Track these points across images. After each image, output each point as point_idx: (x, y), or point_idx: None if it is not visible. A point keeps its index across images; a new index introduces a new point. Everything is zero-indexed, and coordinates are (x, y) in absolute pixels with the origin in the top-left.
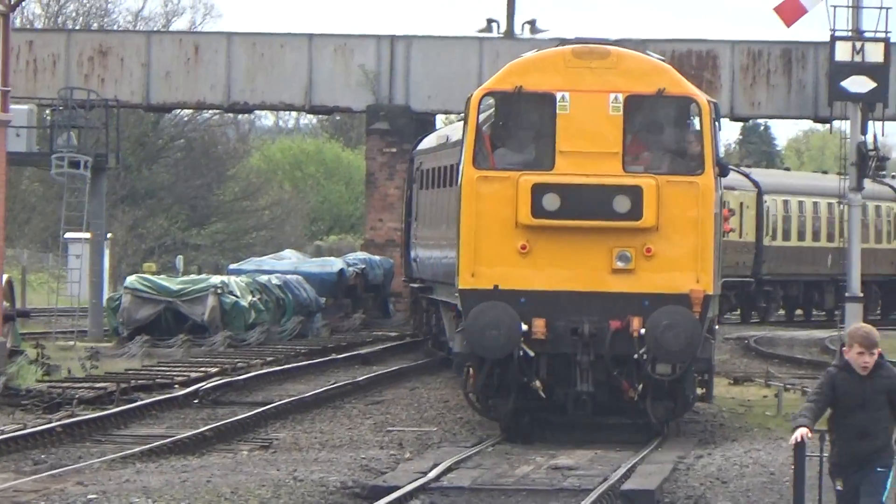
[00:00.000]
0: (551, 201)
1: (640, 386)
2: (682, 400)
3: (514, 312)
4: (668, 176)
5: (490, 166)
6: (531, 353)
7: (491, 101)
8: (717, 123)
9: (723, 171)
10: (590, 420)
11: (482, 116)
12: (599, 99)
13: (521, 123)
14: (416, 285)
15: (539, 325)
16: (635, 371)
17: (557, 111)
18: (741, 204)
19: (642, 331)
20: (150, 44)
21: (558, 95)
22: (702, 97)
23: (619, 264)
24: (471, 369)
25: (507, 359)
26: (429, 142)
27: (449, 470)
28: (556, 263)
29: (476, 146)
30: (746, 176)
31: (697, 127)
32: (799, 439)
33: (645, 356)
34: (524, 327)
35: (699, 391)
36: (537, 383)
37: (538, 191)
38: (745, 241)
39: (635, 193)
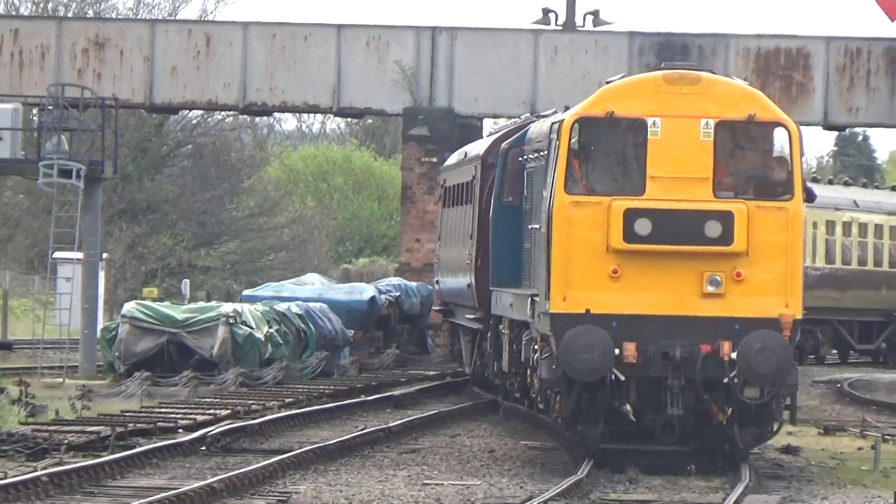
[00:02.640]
0: (643, 226)
1: (730, 410)
2: (768, 424)
3: (608, 336)
4: (758, 201)
5: (581, 191)
6: (622, 377)
7: (582, 126)
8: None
9: (809, 196)
10: (676, 448)
11: (573, 141)
12: (690, 124)
13: (612, 149)
14: (437, 308)
15: (630, 348)
16: (724, 395)
17: (649, 136)
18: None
19: (733, 355)
20: (154, 34)
21: (650, 121)
22: (791, 123)
23: (710, 289)
24: (558, 395)
25: (598, 383)
26: (453, 157)
27: None
28: (647, 288)
29: (567, 171)
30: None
31: (787, 152)
32: None
33: (735, 380)
34: (615, 351)
35: (785, 414)
36: (627, 407)
37: (630, 216)
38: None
39: (726, 219)
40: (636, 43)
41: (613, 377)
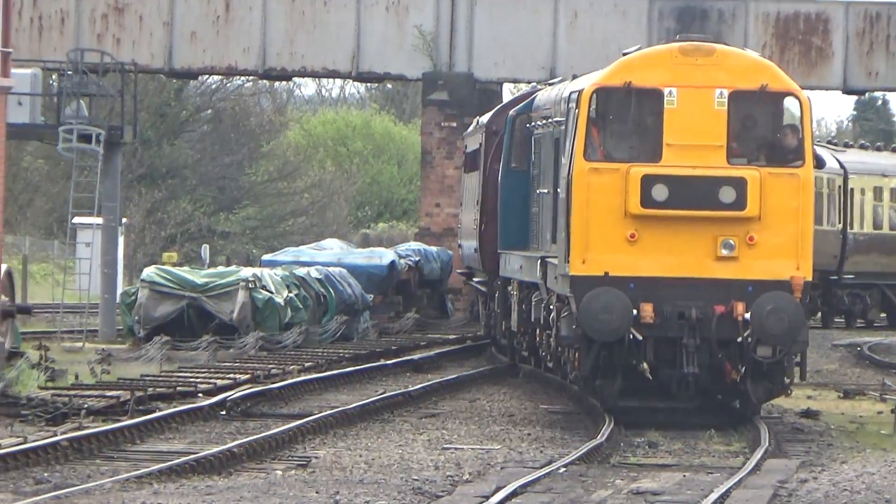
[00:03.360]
0: (660, 192)
1: (743, 368)
2: (779, 381)
3: (626, 297)
4: (770, 168)
5: (599, 158)
6: (640, 337)
7: (601, 95)
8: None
9: (818, 163)
10: (690, 406)
11: (592, 110)
12: (705, 94)
13: (630, 117)
14: (460, 271)
15: (647, 309)
16: (738, 354)
17: (665, 106)
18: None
19: (746, 315)
20: None
21: (666, 91)
22: (801, 93)
23: (724, 252)
24: (576, 353)
25: (617, 342)
26: (473, 124)
27: (514, 494)
28: (663, 251)
29: (587, 139)
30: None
31: (798, 121)
32: None
33: (749, 339)
34: (633, 312)
35: (796, 370)
36: (644, 365)
37: (647, 182)
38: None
39: (740, 184)
40: (656, 7)
41: (631, 337)
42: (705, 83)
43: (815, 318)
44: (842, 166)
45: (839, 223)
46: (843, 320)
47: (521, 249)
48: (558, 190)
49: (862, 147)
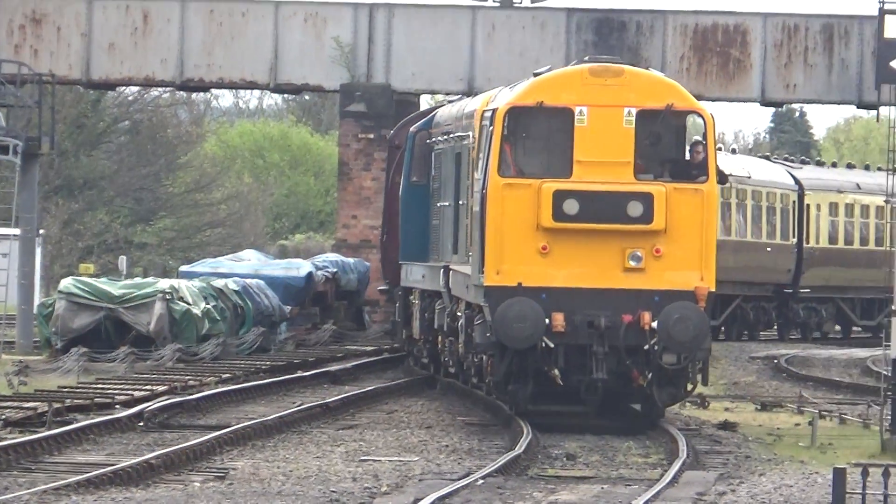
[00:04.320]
0: (571, 206)
1: (649, 374)
2: (683, 386)
3: (539, 307)
4: (676, 183)
5: (513, 174)
6: (551, 344)
7: (514, 114)
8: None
9: (721, 179)
10: (599, 412)
11: (505, 128)
12: (614, 113)
13: (542, 135)
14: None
15: (559, 318)
16: (645, 361)
17: (575, 124)
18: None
19: (653, 324)
20: (91, 10)
21: (577, 110)
22: (706, 111)
23: (632, 263)
24: (490, 359)
25: (529, 349)
26: None
27: None
28: (574, 263)
29: (500, 156)
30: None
31: (702, 138)
32: None
33: (655, 347)
34: (546, 321)
35: (698, 377)
36: (556, 371)
37: (559, 197)
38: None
39: (647, 199)
40: (574, 20)
41: (543, 344)
42: (614, 102)
43: (771, 330)
44: (797, 182)
45: (793, 238)
46: (798, 333)
47: (423, 260)
48: (460, 202)
49: (818, 164)
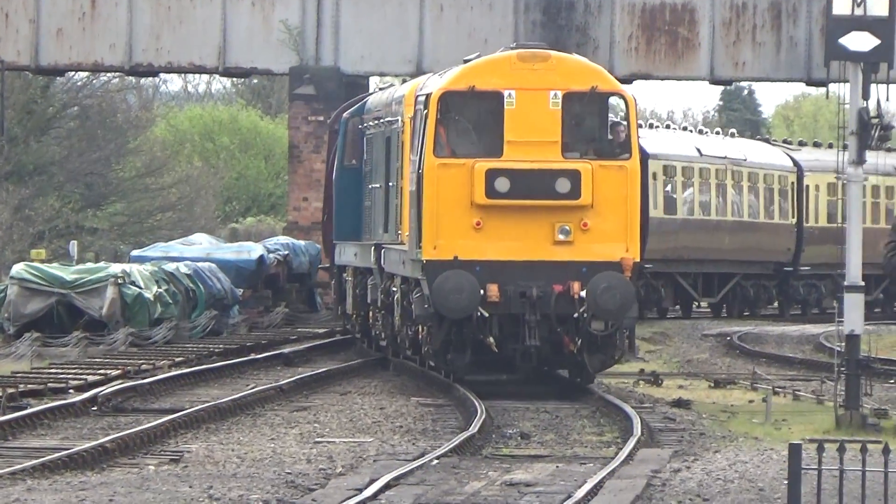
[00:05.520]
0: (502, 184)
1: (579, 341)
2: (611, 353)
3: (474, 279)
4: (601, 161)
5: (447, 154)
6: (486, 314)
7: (447, 98)
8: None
9: (643, 156)
10: (534, 373)
11: (439, 111)
12: (541, 96)
13: (474, 117)
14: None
15: (493, 289)
16: (575, 328)
17: (505, 107)
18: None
19: (582, 293)
20: None
21: (506, 93)
22: (627, 93)
23: (561, 237)
24: (428, 329)
25: (466, 319)
26: None
27: (387, 487)
28: (506, 237)
29: (436, 138)
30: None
31: (624, 118)
32: None
33: (585, 315)
34: (481, 292)
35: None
36: (491, 340)
37: (490, 175)
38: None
39: (574, 176)
40: (522, 0)
41: (479, 314)
42: (541, 86)
43: (772, 307)
44: (796, 164)
45: (793, 218)
46: (799, 310)
47: (355, 240)
48: (390, 184)
49: (815, 145)
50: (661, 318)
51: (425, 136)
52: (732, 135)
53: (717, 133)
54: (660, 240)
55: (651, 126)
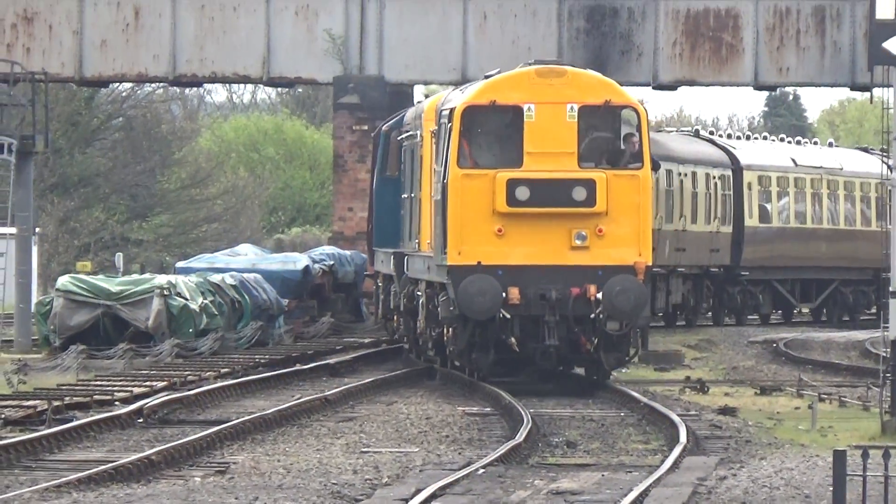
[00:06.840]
0: (522, 192)
1: (596, 340)
2: (626, 352)
3: (496, 282)
4: (615, 170)
5: (470, 165)
6: (508, 316)
7: (470, 112)
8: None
9: (655, 166)
10: (554, 370)
11: (463, 124)
12: (559, 109)
13: (495, 130)
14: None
15: (514, 292)
16: (591, 328)
17: (525, 119)
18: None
19: (598, 295)
20: (82, 8)
21: (525, 107)
22: (639, 106)
23: (577, 242)
24: (454, 331)
25: (489, 320)
26: None
27: (434, 497)
28: (526, 243)
29: (459, 149)
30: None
31: (636, 129)
32: None
33: (601, 316)
34: (503, 294)
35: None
36: (513, 340)
37: (511, 184)
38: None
39: (590, 185)
40: (566, 7)
41: (501, 315)
42: (558, 99)
43: (869, 312)
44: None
45: (889, 225)
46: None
47: (392, 247)
48: (412, 195)
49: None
50: (713, 326)
51: (449, 148)
52: (830, 144)
53: (815, 143)
54: (755, 248)
55: (747, 138)
